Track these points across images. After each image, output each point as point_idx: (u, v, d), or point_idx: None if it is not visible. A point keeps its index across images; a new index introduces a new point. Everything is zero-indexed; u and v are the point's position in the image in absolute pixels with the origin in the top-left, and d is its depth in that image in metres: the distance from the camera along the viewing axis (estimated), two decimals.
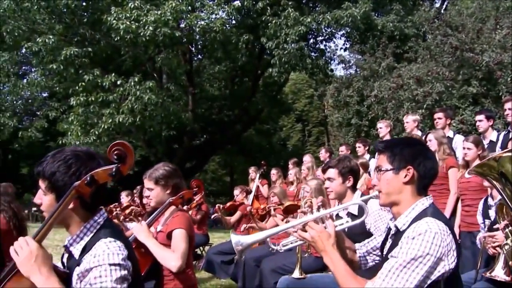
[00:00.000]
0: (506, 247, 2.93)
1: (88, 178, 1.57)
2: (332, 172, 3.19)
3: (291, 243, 2.11)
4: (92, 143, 12.61)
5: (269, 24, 13.35)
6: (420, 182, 1.88)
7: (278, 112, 22.84)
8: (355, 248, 2.20)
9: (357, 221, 2.10)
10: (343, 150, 7.25)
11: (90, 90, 13.11)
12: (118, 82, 12.82)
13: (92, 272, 1.52)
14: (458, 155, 5.20)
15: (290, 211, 4.70)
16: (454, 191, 4.68)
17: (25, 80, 17.17)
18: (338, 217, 2.48)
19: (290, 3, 13.37)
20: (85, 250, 1.61)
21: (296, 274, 3.20)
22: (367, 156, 6.70)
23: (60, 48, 12.95)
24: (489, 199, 3.84)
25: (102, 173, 1.60)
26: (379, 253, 2.11)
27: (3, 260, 2.15)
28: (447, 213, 4.59)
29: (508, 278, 2.89)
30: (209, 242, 6.99)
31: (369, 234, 2.84)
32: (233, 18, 14.66)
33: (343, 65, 14.88)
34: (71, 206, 1.60)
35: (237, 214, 6.38)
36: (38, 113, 18.40)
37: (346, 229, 2.16)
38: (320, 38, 16.19)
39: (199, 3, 13.80)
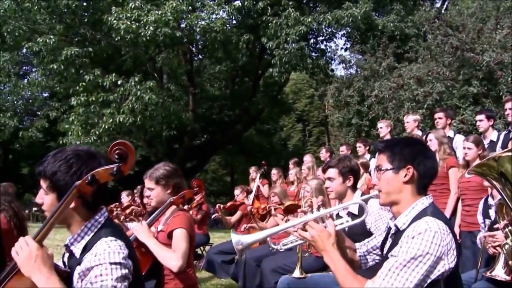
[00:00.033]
0: (506, 246, 2.94)
1: (89, 178, 1.57)
2: (332, 172, 3.19)
3: (292, 242, 2.10)
4: (92, 143, 12.57)
5: (269, 24, 13.33)
6: (420, 181, 1.88)
7: (279, 112, 22.81)
8: (355, 248, 2.20)
9: (357, 220, 2.10)
10: (343, 150, 7.26)
11: (91, 90, 13.11)
12: (119, 82, 12.82)
13: (93, 270, 1.53)
14: (458, 155, 5.20)
15: (290, 211, 4.69)
16: (455, 191, 4.68)
17: (25, 80, 17.18)
18: (338, 216, 2.49)
19: (290, 3, 13.34)
20: (86, 249, 1.61)
21: (297, 273, 3.21)
22: (367, 156, 6.70)
23: (61, 48, 12.95)
24: (489, 199, 3.85)
25: (103, 173, 1.61)
26: (379, 253, 2.11)
27: (4, 260, 2.15)
28: (447, 212, 4.59)
29: (508, 278, 2.90)
30: (210, 242, 6.99)
31: (369, 234, 2.83)
32: (233, 18, 14.67)
33: (344, 65, 14.84)
34: (72, 205, 1.61)
35: (238, 214, 6.40)
36: (39, 113, 18.37)
37: (346, 229, 2.17)
38: (321, 38, 16.17)
39: (199, 3, 13.79)
